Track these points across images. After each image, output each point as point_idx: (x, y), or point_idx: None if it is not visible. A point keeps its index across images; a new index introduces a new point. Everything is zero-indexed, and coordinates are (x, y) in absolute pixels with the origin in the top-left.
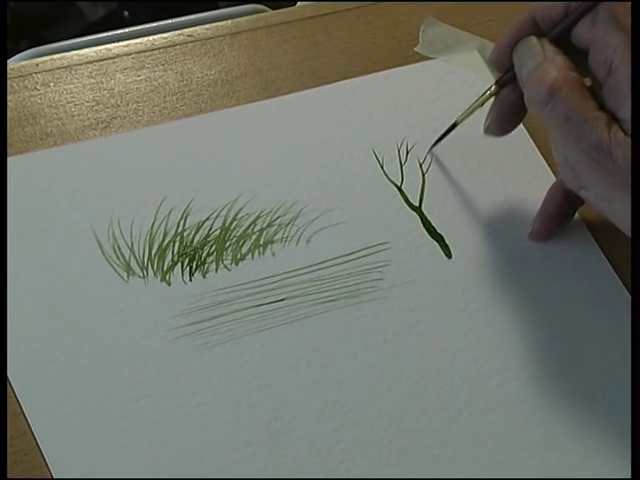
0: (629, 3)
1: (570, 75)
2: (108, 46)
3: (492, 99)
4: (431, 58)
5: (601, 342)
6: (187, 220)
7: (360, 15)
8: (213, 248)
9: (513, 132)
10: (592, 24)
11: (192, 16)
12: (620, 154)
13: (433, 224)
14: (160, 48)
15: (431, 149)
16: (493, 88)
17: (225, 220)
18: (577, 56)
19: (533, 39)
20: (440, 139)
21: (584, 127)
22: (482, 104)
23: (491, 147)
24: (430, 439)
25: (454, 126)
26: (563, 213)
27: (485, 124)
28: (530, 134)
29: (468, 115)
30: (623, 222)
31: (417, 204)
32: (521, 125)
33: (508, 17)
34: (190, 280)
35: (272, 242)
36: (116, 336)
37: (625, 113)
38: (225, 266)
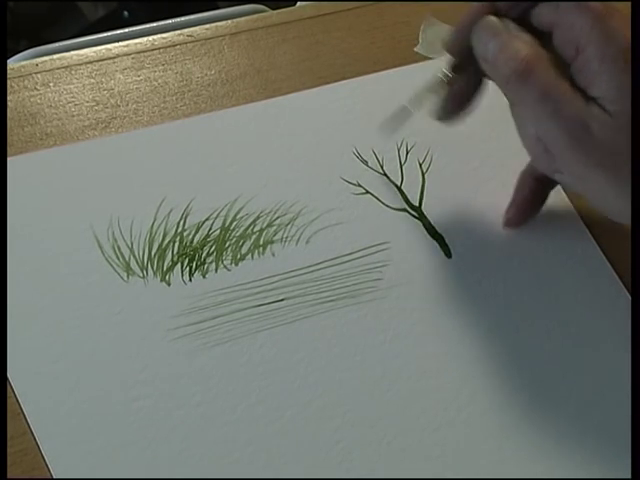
0: (629, 3)
1: (541, 51)
2: (108, 46)
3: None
4: (431, 58)
5: (601, 342)
6: (187, 220)
7: (360, 15)
8: (213, 248)
9: (513, 131)
10: (555, 5)
11: (192, 16)
12: (597, 127)
13: (433, 224)
14: (160, 48)
15: (389, 127)
16: (447, 73)
17: (225, 220)
18: (537, 37)
19: (493, 18)
20: (394, 121)
21: (562, 100)
22: (434, 90)
23: (491, 147)
24: (430, 439)
25: (405, 111)
26: (536, 198)
27: (436, 111)
28: None
29: (420, 101)
30: (600, 201)
31: (417, 204)
32: None
33: None
34: (190, 280)
35: (272, 242)
36: (116, 336)
37: (597, 90)
38: (225, 266)
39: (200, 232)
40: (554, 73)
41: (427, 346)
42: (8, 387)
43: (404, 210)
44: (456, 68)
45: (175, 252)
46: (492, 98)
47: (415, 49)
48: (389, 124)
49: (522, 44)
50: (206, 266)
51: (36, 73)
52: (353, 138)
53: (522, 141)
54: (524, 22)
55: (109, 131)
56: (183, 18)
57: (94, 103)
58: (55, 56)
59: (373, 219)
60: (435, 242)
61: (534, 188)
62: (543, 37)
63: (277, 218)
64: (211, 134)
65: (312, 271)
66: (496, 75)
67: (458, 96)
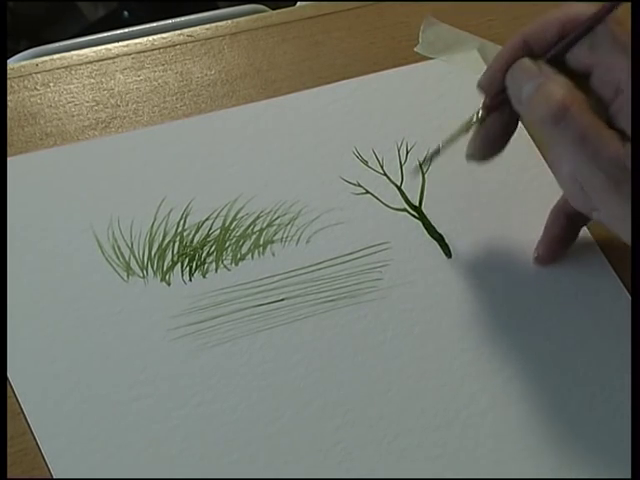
0: (629, 3)
1: (577, 93)
2: (108, 46)
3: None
4: (431, 58)
5: (601, 342)
6: (187, 220)
7: (360, 15)
8: (213, 248)
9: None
10: (592, 47)
11: (192, 16)
12: None
13: (433, 224)
14: (160, 48)
15: (420, 167)
16: (480, 114)
17: (225, 220)
18: (573, 79)
19: (528, 60)
20: (425, 161)
21: (600, 143)
22: (467, 130)
23: None
24: (430, 439)
25: (438, 151)
26: (567, 235)
27: (468, 150)
28: (530, 135)
29: (452, 141)
30: None
31: (417, 204)
32: (520, 125)
33: (508, 17)
34: (190, 280)
35: (272, 242)
36: (116, 336)
37: None
38: (225, 266)
39: (200, 232)
40: (590, 114)
41: (427, 346)
42: (8, 387)
43: (404, 210)
44: (489, 108)
45: (175, 252)
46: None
47: (415, 49)
48: (422, 163)
49: (557, 86)
50: (206, 266)
51: (36, 73)
52: (353, 138)
53: (556, 179)
54: (559, 64)
55: (109, 131)
56: (183, 18)
57: (94, 103)
58: (55, 56)
59: (373, 219)
60: (435, 242)
61: (565, 225)
62: (579, 79)
63: (277, 218)
64: (211, 134)
65: (312, 271)
66: (530, 117)
67: (490, 136)
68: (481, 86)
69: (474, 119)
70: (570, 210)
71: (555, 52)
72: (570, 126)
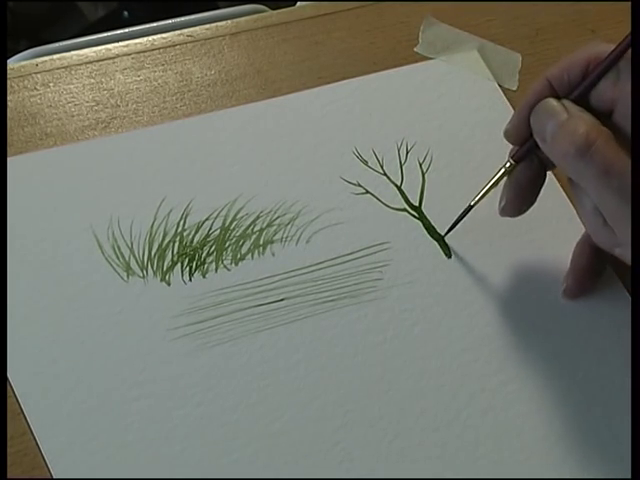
0: (629, 3)
1: (602, 128)
2: (108, 46)
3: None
4: (431, 58)
5: (601, 342)
6: (187, 220)
7: (360, 15)
8: (213, 248)
9: None
10: (615, 82)
11: (192, 16)
12: None
13: (433, 224)
14: (160, 48)
15: (447, 233)
16: (508, 165)
17: (225, 220)
18: (598, 118)
19: (552, 100)
20: (456, 223)
21: (628, 174)
22: (497, 183)
23: (491, 147)
24: (430, 439)
25: (469, 209)
26: (594, 268)
27: (500, 205)
28: None
29: (483, 196)
30: None
31: (417, 204)
32: None
33: (508, 17)
34: (190, 280)
35: (272, 242)
36: (116, 336)
37: None
38: (225, 266)
39: (200, 232)
40: (616, 147)
41: (427, 346)
42: (8, 387)
43: (404, 210)
44: (517, 157)
45: (175, 252)
46: (492, 97)
47: (415, 49)
48: (455, 223)
49: (581, 121)
50: (206, 266)
51: (36, 73)
52: (353, 138)
53: (579, 214)
54: (583, 103)
55: (109, 131)
56: (183, 18)
57: (94, 103)
58: (55, 56)
59: (373, 219)
60: (435, 242)
61: (592, 257)
62: (603, 117)
63: (277, 218)
64: (211, 134)
65: (312, 271)
66: (555, 153)
67: (520, 188)
68: (508, 134)
69: (503, 170)
70: (594, 243)
71: (580, 91)
72: (595, 159)
